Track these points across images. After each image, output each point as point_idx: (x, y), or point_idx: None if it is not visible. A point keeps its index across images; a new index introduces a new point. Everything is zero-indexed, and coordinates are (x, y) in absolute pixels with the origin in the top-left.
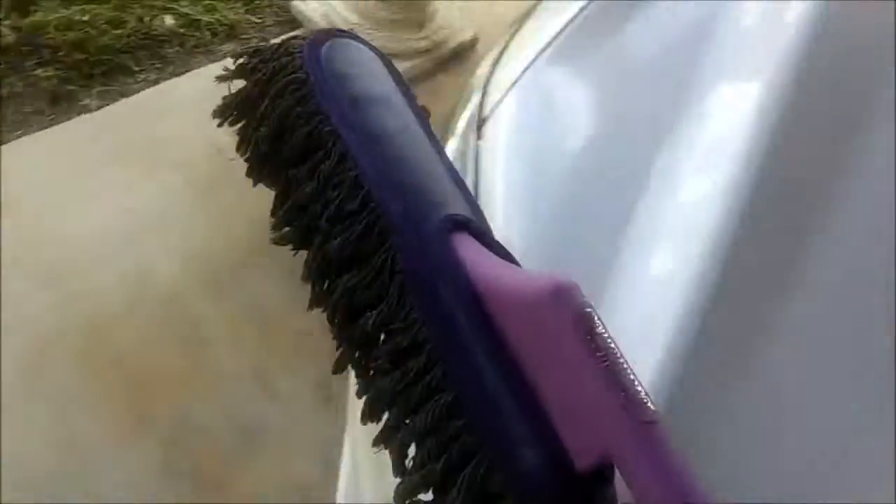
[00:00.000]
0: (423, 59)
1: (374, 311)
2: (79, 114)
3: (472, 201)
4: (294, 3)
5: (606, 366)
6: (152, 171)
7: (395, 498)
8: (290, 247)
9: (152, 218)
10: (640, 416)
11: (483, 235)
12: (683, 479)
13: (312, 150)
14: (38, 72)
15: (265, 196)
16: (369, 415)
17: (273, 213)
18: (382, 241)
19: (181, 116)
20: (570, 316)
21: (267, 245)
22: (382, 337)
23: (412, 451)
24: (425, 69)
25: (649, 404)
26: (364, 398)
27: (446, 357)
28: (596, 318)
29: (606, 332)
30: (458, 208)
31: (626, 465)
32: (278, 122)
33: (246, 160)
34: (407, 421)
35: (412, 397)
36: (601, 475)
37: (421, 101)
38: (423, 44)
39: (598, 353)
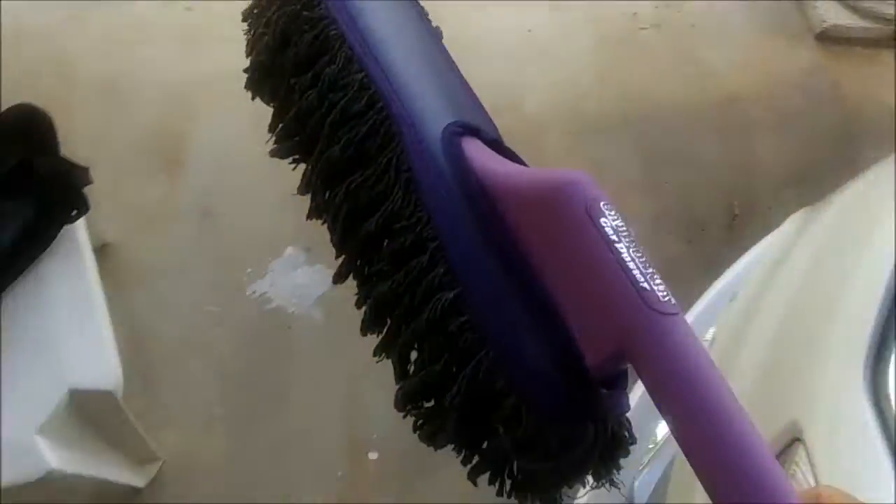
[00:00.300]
0: None
1: (379, 211)
2: None
3: (483, 114)
4: None
5: (622, 255)
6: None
7: (395, 404)
8: (289, 160)
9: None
10: (657, 307)
11: (494, 143)
12: (701, 372)
13: (317, 55)
14: None
15: None
16: (370, 323)
17: (272, 127)
18: (389, 140)
19: None
20: (585, 204)
21: None
22: (385, 242)
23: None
24: None
25: (667, 296)
26: (364, 307)
27: (451, 254)
28: (611, 206)
29: (622, 221)
30: (469, 117)
31: (640, 357)
32: (283, 29)
33: (246, 71)
34: (408, 323)
35: (414, 297)
36: (614, 380)
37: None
38: None
39: (613, 242)
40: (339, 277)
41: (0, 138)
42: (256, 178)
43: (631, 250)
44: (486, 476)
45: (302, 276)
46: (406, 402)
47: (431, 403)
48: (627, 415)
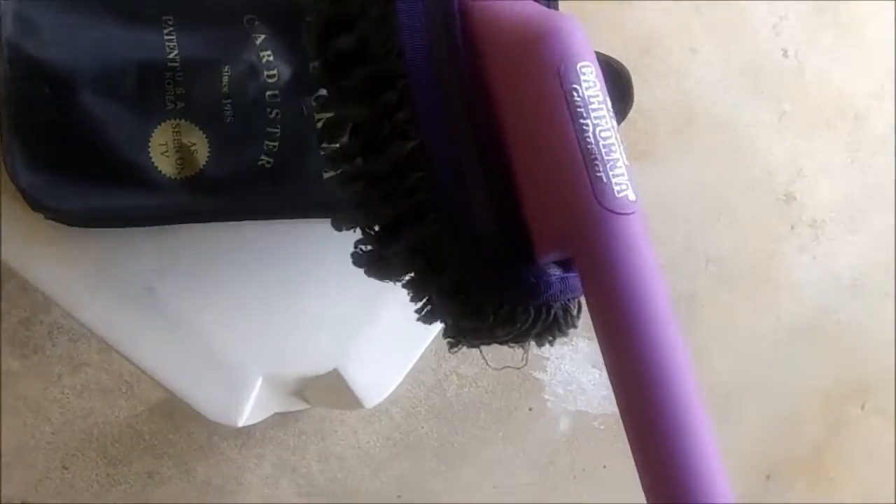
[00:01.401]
0: None
1: (353, 30)
2: None
3: None
4: None
5: (585, 133)
6: None
7: (333, 223)
8: None
9: None
10: (607, 203)
11: None
12: (648, 286)
13: None
14: None
15: None
16: (327, 133)
17: None
18: None
19: None
20: (559, 62)
21: None
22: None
23: None
24: None
25: (624, 191)
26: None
27: (417, 100)
28: (593, 70)
29: (601, 92)
30: None
31: (580, 257)
32: None
33: None
34: (366, 159)
35: (377, 134)
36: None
37: None
38: None
39: (579, 116)
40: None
41: None
42: None
43: (598, 130)
44: None
45: None
46: (342, 224)
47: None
48: None
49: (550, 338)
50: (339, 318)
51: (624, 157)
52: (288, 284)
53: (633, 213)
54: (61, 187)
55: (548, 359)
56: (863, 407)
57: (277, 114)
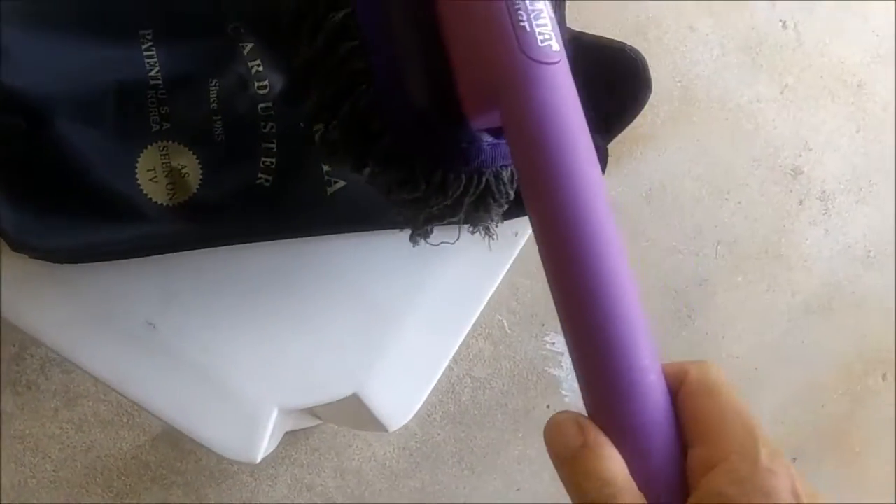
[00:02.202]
0: None
1: None
2: None
3: None
4: None
5: None
6: None
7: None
8: None
9: None
10: (531, 52)
11: None
12: (570, 132)
13: None
14: None
15: None
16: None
17: None
18: None
19: None
20: None
21: None
22: None
23: None
24: None
25: (548, 40)
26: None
27: None
28: None
29: None
30: None
31: (505, 112)
32: None
33: None
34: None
35: (314, 12)
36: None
37: None
38: None
39: None
40: None
41: None
42: None
43: None
44: None
45: None
46: (315, 117)
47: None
48: None
49: (484, 208)
50: (355, 340)
51: (549, 9)
52: (297, 309)
53: (556, 62)
54: (46, 225)
55: (562, 354)
56: (884, 378)
57: (272, 127)
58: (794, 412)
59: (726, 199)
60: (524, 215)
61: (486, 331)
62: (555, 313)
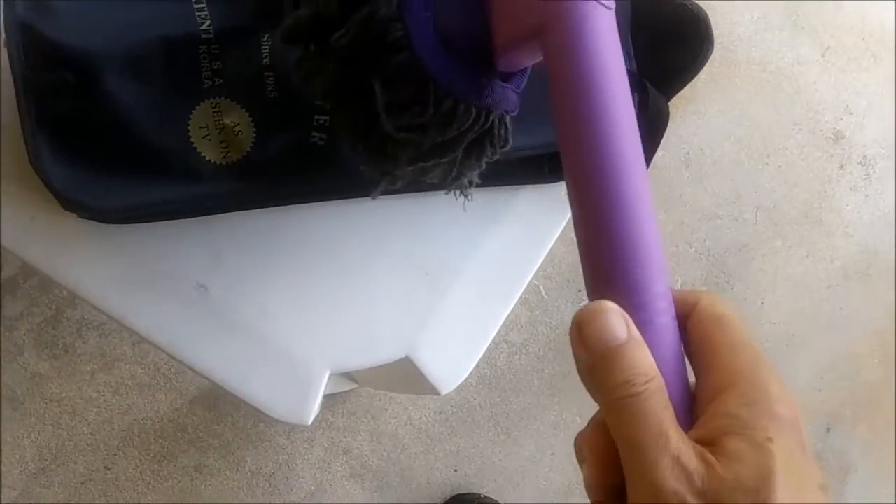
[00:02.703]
0: None
1: None
2: None
3: None
4: None
5: None
6: None
7: (280, 34)
8: None
9: None
10: None
11: None
12: (611, 74)
13: None
14: None
15: None
16: None
17: None
18: None
19: None
20: None
21: None
22: None
23: None
24: None
25: None
26: None
27: None
28: None
29: None
30: None
31: (553, 45)
32: None
33: None
34: None
35: None
36: (512, 76)
37: None
38: None
39: None
40: None
41: None
42: None
43: None
44: None
45: None
46: (293, 35)
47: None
48: None
49: (478, 153)
50: (407, 302)
51: None
52: (349, 271)
53: (611, 8)
54: (96, 183)
55: None
56: None
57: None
58: (830, 378)
59: (766, 163)
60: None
61: (523, 296)
62: None
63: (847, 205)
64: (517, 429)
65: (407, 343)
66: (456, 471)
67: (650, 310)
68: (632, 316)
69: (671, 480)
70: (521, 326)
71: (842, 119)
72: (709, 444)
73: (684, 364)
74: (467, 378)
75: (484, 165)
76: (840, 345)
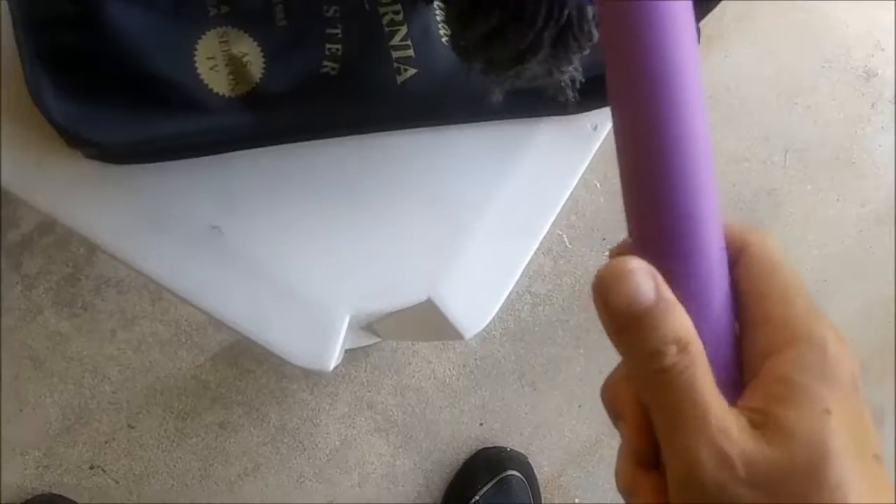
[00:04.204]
0: None
1: None
2: None
3: None
4: None
5: None
6: None
7: None
8: None
9: None
10: None
11: None
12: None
13: None
14: None
15: None
16: None
17: None
18: None
19: None
20: None
21: None
22: None
23: None
24: None
25: None
26: None
27: None
28: None
29: None
30: None
31: None
32: None
33: None
34: None
35: None
36: None
37: None
38: None
39: None
40: None
41: None
42: None
43: None
44: None
45: None
46: None
47: None
48: None
49: (564, 48)
50: (428, 242)
51: None
52: (368, 210)
53: None
54: (100, 117)
55: None
56: None
57: (336, 11)
58: (861, 325)
59: (795, 103)
60: (602, 106)
61: (547, 246)
62: (616, 227)
63: (879, 145)
64: (542, 381)
65: (429, 285)
66: (481, 424)
67: (700, 257)
68: (676, 265)
69: (712, 469)
70: (545, 277)
71: (873, 56)
72: (760, 414)
73: (734, 320)
74: (491, 331)
75: (575, 62)
76: (872, 291)
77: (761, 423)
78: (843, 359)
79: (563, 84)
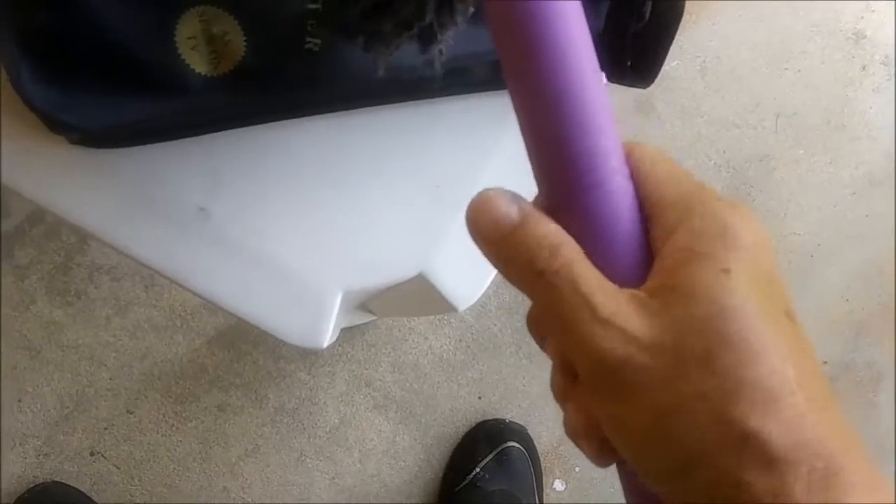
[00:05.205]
0: None
1: None
2: None
3: None
4: None
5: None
6: None
7: None
8: None
9: None
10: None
11: None
12: None
13: None
14: None
15: None
16: None
17: None
18: None
19: None
20: None
21: None
22: None
23: None
24: None
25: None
26: None
27: None
28: None
29: None
30: None
31: None
32: None
33: None
34: None
35: None
36: None
37: None
38: None
39: None
40: None
41: None
42: None
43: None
44: None
45: None
46: None
47: None
48: None
49: (450, 10)
50: (417, 217)
51: None
52: (356, 187)
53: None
54: (81, 102)
55: None
56: None
57: None
58: (858, 288)
59: (785, 68)
60: None
61: None
62: None
63: (870, 107)
64: (539, 353)
65: (420, 259)
66: (480, 398)
67: (600, 172)
68: (580, 181)
69: (610, 346)
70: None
71: (863, 17)
72: (658, 286)
73: (642, 224)
74: (486, 304)
75: (460, 21)
76: (867, 253)
77: (658, 291)
78: (740, 221)
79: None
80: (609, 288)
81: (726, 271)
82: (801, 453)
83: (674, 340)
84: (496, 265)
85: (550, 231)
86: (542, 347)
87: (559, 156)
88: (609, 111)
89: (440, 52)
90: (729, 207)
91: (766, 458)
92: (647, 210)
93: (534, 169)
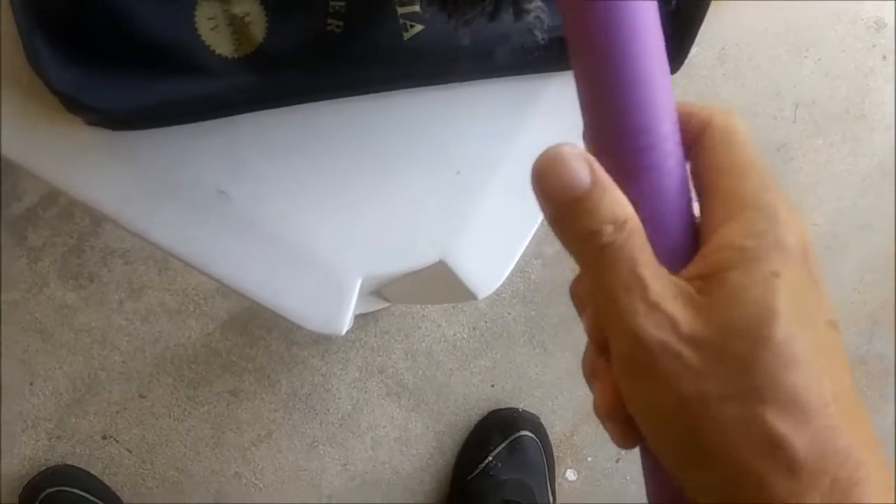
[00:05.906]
0: None
1: None
2: None
3: None
4: None
5: None
6: None
7: None
8: None
9: None
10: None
11: None
12: None
13: None
14: None
15: None
16: None
17: None
18: None
19: None
20: None
21: None
22: None
23: None
24: None
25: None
26: None
27: None
28: None
29: None
30: None
31: None
32: None
33: None
34: None
35: None
36: None
37: None
38: None
39: None
40: None
41: None
42: None
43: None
44: None
45: None
46: None
47: None
48: None
49: None
50: (439, 203)
51: None
52: (377, 173)
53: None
54: (100, 82)
55: None
56: None
57: None
58: (871, 279)
59: (805, 56)
60: None
61: None
62: None
63: (890, 98)
64: (553, 342)
65: (441, 246)
66: (493, 386)
67: (656, 152)
68: (634, 159)
69: (652, 329)
70: (554, 239)
71: (884, 6)
72: (708, 279)
73: (689, 194)
74: (500, 292)
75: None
76: (882, 245)
77: (705, 287)
78: (794, 227)
79: (529, 27)
80: (662, 273)
81: (776, 275)
82: (827, 463)
83: (716, 337)
84: (554, 226)
85: (620, 203)
86: (580, 317)
87: (620, 130)
88: (671, 94)
89: (538, 18)
90: (784, 207)
91: (792, 465)
92: (701, 188)
93: (591, 139)
